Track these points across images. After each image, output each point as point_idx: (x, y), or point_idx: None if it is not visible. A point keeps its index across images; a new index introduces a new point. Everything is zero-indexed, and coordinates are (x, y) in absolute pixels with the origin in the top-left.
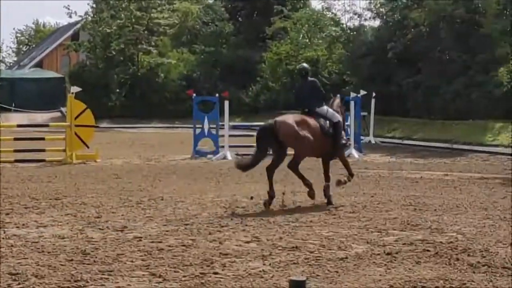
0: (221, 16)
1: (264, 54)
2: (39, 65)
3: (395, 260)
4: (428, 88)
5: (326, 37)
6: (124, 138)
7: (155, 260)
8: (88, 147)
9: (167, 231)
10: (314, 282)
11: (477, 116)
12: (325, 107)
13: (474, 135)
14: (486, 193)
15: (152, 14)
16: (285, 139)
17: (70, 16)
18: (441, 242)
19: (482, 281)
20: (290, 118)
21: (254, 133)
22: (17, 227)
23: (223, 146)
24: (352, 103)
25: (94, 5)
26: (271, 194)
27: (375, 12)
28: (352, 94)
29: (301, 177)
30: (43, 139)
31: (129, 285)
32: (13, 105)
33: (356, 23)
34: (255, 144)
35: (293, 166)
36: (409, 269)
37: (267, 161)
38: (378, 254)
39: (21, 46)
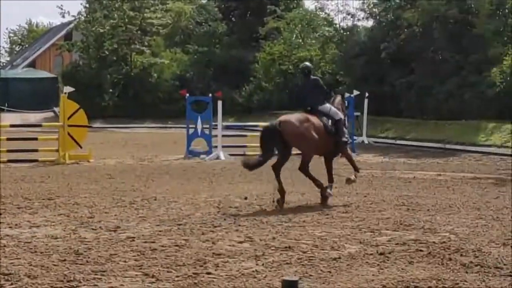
0: (214, 16)
1: (257, 54)
2: (32, 65)
3: (388, 260)
4: (421, 88)
5: (319, 37)
6: (117, 138)
7: (148, 260)
8: (81, 147)
9: (160, 231)
10: (307, 282)
11: (470, 116)
12: (328, 105)
13: (467, 135)
14: (479, 193)
15: (145, 14)
16: (289, 138)
17: (63, 16)
18: (434, 242)
19: (475, 281)
20: (294, 117)
21: (247, 133)
22: (10, 227)
23: (216, 146)
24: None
25: (87, 5)
26: (282, 192)
27: (368, 12)
28: (345, 94)
29: (312, 178)
30: (36, 139)
31: (122, 285)
32: (6, 105)
33: (349, 23)
34: (259, 144)
35: (304, 168)
36: (402, 269)
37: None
38: (371, 254)
39: (14, 46)
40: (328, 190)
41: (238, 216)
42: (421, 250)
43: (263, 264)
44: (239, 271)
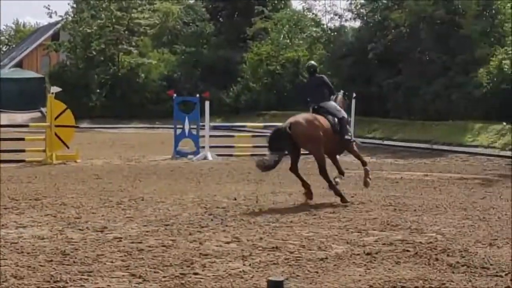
0: (202, 17)
1: (245, 54)
2: (19, 65)
3: (374, 261)
4: (408, 89)
5: (307, 38)
6: (105, 139)
7: (135, 260)
8: (68, 147)
9: (147, 231)
10: (294, 283)
11: (456, 117)
12: (332, 103)
13: (454, 136)
14: (465, 194)
15: (132, 14)
16: (299, 140)
17: (50, 16)
18: (420, 242)
19: (461, 281)
20: (304, 118)
21: (235, 134)
22: None
23: (203, 147)
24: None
25: (75, 5)
26: (307, 187)
27: (355, 13)
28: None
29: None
30: (23, 139)
31: (108, 285)
32: None
33: (337, 23)
34: (268, 145)
35: (323, 171)
36: (389, 269)
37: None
38: (358, 255)
39: (0, 46)
40: (337, 179)
41: (225, 217)
42: (408, 250)
43: (250, 265)
44: (226, 272)
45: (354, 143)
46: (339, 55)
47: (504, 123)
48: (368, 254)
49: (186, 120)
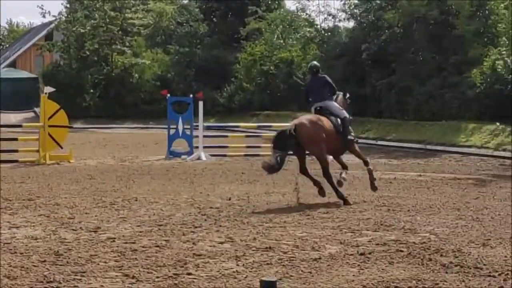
0: (195, 17)
1: (238, 54)
2: (13, 65)
3: (368, 261)
4: (401, 89)
5: (301, 38)
6: (98, 139)
7: (129, 261)
8: (61, 147)
9: (140, 232)
10: (287, 283)
11: (450, 117)
12: (334, 102)
13: (447, 136)
14: (459, 194)
15: (126, 14)
16: (303, 141)
17: (44, 16)
18: (414, 242)
19: (455, 281)
20: (307, 120)
21: (229, 134)
22: None
23: (197, 147)
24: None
25: (68, 5)
26: (318, 185)
27: (349, 13)
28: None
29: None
30: (16, 139)
31: (102, 286)
32: None
33: (331, 24)
34: (273, 146)
35: (326, 173)
36: (382, 269)
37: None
38: (352, 255)
39: None
40: (343, 175)
41: (219, 217)
42: (401, 251)
43: (243, 265)
44: (220, 272)
45: (356, 143)
46: (333, 56)
47: (498, 124)
48: (361, 254)
49: (180, 120)
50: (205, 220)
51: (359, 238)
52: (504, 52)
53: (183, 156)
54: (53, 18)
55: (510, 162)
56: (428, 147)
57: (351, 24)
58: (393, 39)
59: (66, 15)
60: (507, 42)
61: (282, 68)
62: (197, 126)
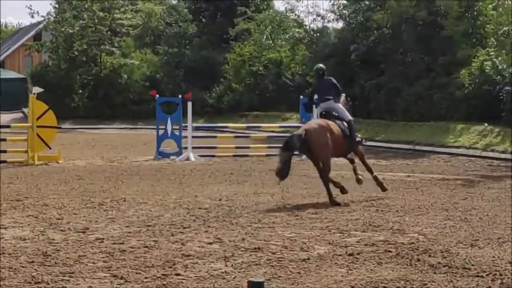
0: (184, 17)
1: (227, 55)
2: (1, 65)
3: (356, 261)
4: (390, 90)
5: (290, 39)
6: (87, 139)
7: (117, 261)
8: (50, 148)
9: (129, 232)
10: (276, 283)
11: (439, 118)
12: (339, 104)
13: (436, 137)
14: (447, 194)
15: (115, 15)
16: (311, 145)
17: (32, 16)
18: (402, 243)
19: (443, 282)
20: (317, 125)
21: (218, 134)
22: None
23: (186, 147)
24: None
25: (57, 5)
26: (339, 186)
27: (338, 14)
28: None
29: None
30: (4, 140)
31: (90, 286)
32: None
33: (319, 24)
34: (282, 149)
35: (325, 178)
36: (371, 270)
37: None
38: (340, 255)
39: None
40: (359, 177)
41: (207, 217)
42: (389, 251)
43: (232, 265)
44: (208, 272)
45: (362, 144)
46: (322, 56)
47: (486, 124)
48: (350, 254)
49: (169, 121)
50: (194, 220)
51: (347, 238)
52: (492, 53)
53: (172, 157)
54: (42, 19)
55: (498, 163)
56: (417, 147)
57: (340, 24)
58: (382, 40)
59: (54, 16)
60: (495, 43)
61: (271, 69)
62: (186, 126)
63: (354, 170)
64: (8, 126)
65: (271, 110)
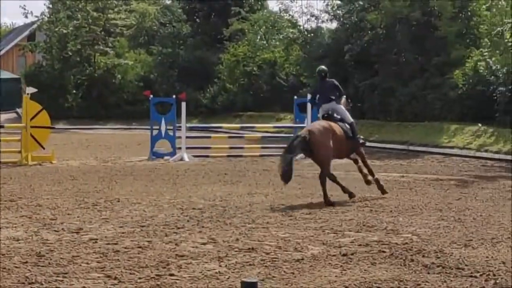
0: (178, 17)
1: (221, 55)
2: None
3: (350, 261)
4: (384, 90)
5: (284, 39)
6: (81, 139)
7: (111, 262)
8: (44, 148)
9: (123, 233)
10: (270, 284)
11: (432, 118)
12: (341, 106)
13: (430, 137)
14: (441, 195)
15: (109, 15)
16: (314, 147)
17: (26, 16)
18: (396, 243)
19: (436, 282)
20: (320, 126)
21: (212, 135)
22: None
23: (180, 148)
24: (309, 105)
25: (51, 6)
26: (347, 191)
27: (332, 14)
28: (309, 96)
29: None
30: None
31: (84, 287)
32: None
33: (313, 25)
34: (285, 150)
35: (323, 179)
36: (365, 270)
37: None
38: (334, 256)
39: None
40: (369, 177)
41: (201, 218)
42: (383, 251)
43: (226, 266)
44: (202, 273)
45: (364, 145)
46: (316, 56)
47: (480, 125)
48: (344, 255)
49: (163, 121)
50: (188, 221)
51: (341, 239)
52: (486, 54)
53: (166, 157)
54: (36, 19)
55: (492, 163)
56: (411, 148)
57: (334, 25)
58: (375, 40)
59: (48, 16)
60: (489, 44)
61: (265, 69)
62: (180, 127)
63: (360, 171)
64: (1, 127)
65: (265, 110)
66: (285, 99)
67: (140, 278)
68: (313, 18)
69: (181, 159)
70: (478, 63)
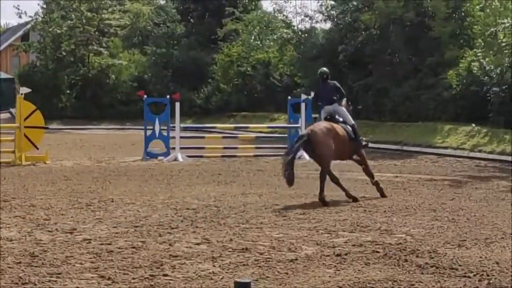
0: (172, 18)
1: (215, 55)
2: None
3: (344, 262)
4: (378, 90)
5: (278, 39)
6: (75, 140)
7: (105, 262)
8: (37, 148)
9: (116, 233)
10: (264, 284)
11: (426, 118)
12: (342, 107)
13: (424, 137)
14: (434, 195)
15: (103, 15)
16: (315, 147)
17: (20, 17)
18: (390, 243)
19: (430, 282)
20: (323, 126)
21: (205, 135)
22: None
23: (174, 148)
24: (303, 105)
25: (44, 6)
26: (349, 195)
27: (326, 14)
28: (303, 96)
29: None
30: None
31: (77, 287)
32: None
33: (307, 25)
34: (288, 148)
35: (323, 177)
36: (358, 270)
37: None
38: (328, 256)
39: None
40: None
41: (195, 218)
42: (377, 252)
43: (220, 266)
44: (196, 273)
45: (366, 146)
46: (310, 57)
47: (473, 125)
48: (337, 255)
49: (157, 121)
50: (182, 221)
51: (335, 239)
52: (479, 54)
53: (159, 157)
54: (30, 19)
55: (486, 163)
56: (405, 148)
57: (327, 25)
58: (369, 41)
59: (42, 16)
60: (482, 44)
61: (259, 69)
62: (174, 127)
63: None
64: None
65: (259, 110)
66: (279, 99)
67: (134, 279)
68: (307, 19)
69: (175, 159)
70: (472, 63)
